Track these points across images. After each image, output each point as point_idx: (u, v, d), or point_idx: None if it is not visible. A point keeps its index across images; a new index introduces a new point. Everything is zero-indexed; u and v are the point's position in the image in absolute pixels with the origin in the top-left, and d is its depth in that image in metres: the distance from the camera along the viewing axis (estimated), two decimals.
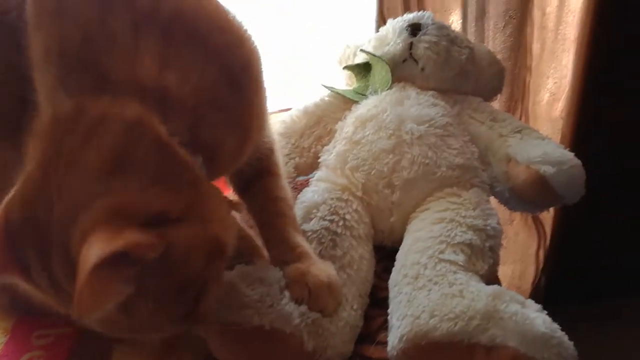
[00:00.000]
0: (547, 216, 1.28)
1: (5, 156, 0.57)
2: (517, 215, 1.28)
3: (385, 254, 0.77)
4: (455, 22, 1.17)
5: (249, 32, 0.60)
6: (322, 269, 0.64)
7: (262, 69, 0.61)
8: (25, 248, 0.47)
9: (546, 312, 0.59)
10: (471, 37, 1.15)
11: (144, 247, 0.42)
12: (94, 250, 0.41)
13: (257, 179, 0.71)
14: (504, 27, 1.14)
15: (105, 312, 0.44)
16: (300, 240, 0.68)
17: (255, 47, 0.60)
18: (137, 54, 0.51)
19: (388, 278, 0.71)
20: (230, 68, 0.56)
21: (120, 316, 0.48)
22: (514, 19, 1.14)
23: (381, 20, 1.21)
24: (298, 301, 0.62)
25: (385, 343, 0.65)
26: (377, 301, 0.71)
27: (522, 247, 1.32)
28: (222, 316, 0.58)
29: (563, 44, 1.21)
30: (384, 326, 0.68)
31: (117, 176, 0.46)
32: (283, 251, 0.66)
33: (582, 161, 0.77)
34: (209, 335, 0.60)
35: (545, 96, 1.28)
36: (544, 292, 1.35)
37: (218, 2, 0.58)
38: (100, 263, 0.40)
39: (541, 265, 1.34)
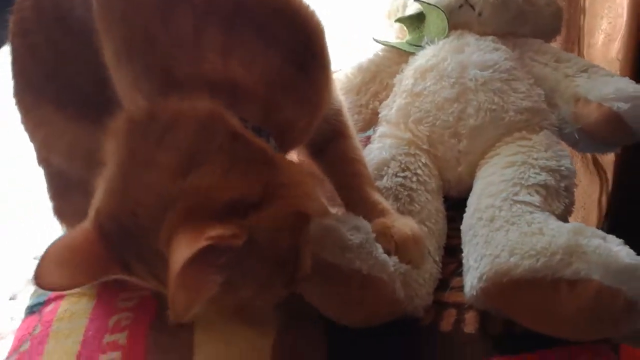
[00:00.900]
0: (609, 161, 1.24)
1: (99, 137, 0.61)
2: (578, 162, 1.25)
3: (450, 204, 0.78)
4: None
5: (310, 6, 0.60)
6: (406, 223, 0.66)
7: (326, 42, 0.61)
8: (123, 250, 0.50)
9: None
10: None
11: (227, 239, 0.44)
12: (180, 252, 0.42)
13: (330, 143, 0.72)
14: None
15: (197, 308, 0.46)
16: (380, 197, 0.69)
17: (317, 20, 0.60)
18: (201, 50, 0.53)
19: (455, 227, 0.72)
20: (294, 48, 0.57)
21: (226, 297, 0.50)
22: None
23: None
24: (386, 254, 0.63)
25: (459, 288, 0.67)
26: (446, 249, 0.73)
27: (584, 193, 1.29)
28: (321, 256, 0.60)
29: None
30: (457, 272, 0.69)
31: (193, 173, 0.47)
32: (365, 210, 0.68)
33: None
34: (306, 278, 0.61)
35: (600, 37, 1.23)
36: None
37: None
38: (186, 264, 0.41)
39: (604, 212, 1.31)
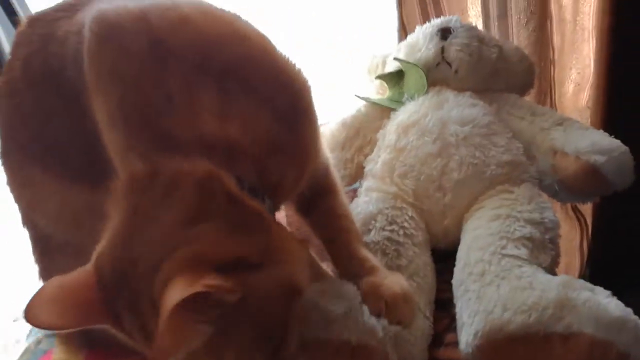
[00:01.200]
0: (587, 207, 1.27)
1: (86, 197, 0.61)
2: (558, 208, 1.27)
3: (438, 256, 0.78)
4: (474, 22, 1.19)
5: (296, 65, 0.62)
6: (395, 281, 0.66)
7: (312, 99, 0.63)
8: (116, 299, 0.50)
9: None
10: (495, 35, 1.16)
11: (222, 291, 0.44)
12: (174, 293, 0.43)
13: (317, 199, 0.73)
14: (526, 23, 1.16)
15: (186, 354, 0.46)
16: (368, 253, 0.69)
17: (304, 79, 0.62)
18: (196, 111, 0.54)
19: (444, 280, 0.72)
20: (282, 108, 0.59)
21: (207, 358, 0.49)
22: (535, 14, 1.15)
23: (403, 30, 1.23)
24: (375, 314, 0.63)
25: (454, 343, 0.66)
26: (438, 303, 0.72)
27: (565, 239, 1.30)
28: (307, 333, 0.59)
29: (582, 34, 1.21)
30: (450, 327, 0.69)
31: (193, 228, 0.48)
32: (353, 266, 0.68)
33: None
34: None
35: (570, 87, 1.28)
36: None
37: (263, 42, 0.60)
38: (179, 305, 0.42)
39: (585, 257, 1.33)
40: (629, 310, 0.57)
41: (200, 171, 0.50)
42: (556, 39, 1.20)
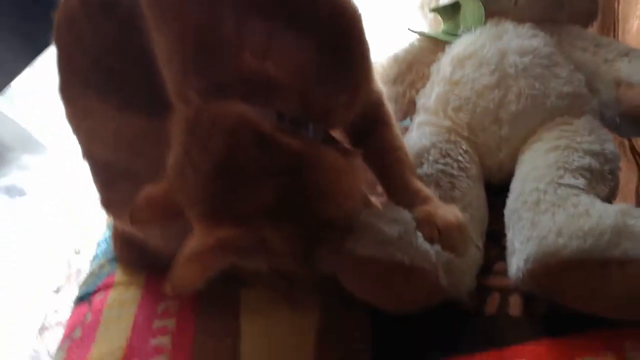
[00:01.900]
0: None
1: (142, 124, 0.64)
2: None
3: (491, 191, 0.78)
4: None
5: None
6: (449, 211, 0.66)
7: (363, 27, 0.62)
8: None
9: None
10: None
11: (236, 238, 0.49)
12: (190, 244, 0.49)
13: (371, 131, 0.73)
14: None
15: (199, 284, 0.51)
16: (421, 185, 0.70)
17: (354, 8, 0.61)
18: (241, 48, 0.55)
19: (496, 214, 0.72)
20: (332, 36, 0.59)
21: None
22: None
23: None
24: (428, 241, 0.63)
25: (502, 272, 0.67)
26: (488, 235, 0.73)
27: (621, 181, 1.28)
28: (362, 252, 0.61)
29: None
30: (499, 257, 0.70)
31: (221, 180, 0.52)
32: (407, 197, 0.68)
33: None
34: (342, 272, 0.63)
35: (635, 23, 1.21)
36: None
37: None
38: (192, 256, 0.48)
39: None
40: None
41: (234, 115, 0.53)
42: None
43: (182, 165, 0.54)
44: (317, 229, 0.55)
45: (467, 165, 0.75)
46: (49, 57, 0.76)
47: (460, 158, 0.75)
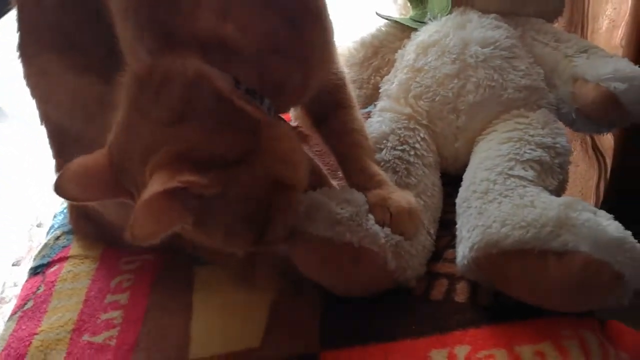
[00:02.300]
0: (608, 146, 1.25)
1: (99, 89, 0.63)
2: (578, 146, 1.26)
3: (447, 180, 0.79)
4: None
5: None
6: (402, 196, 0.67)
7: (326, 5, 0.62)
8: (125, 181, 0.54)
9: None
10: None
11: (198, 186, 0.48)
12: (151, 186, 0.47)
13: (331, 113, 0.74)
14: None
15: (160, 238, 0.50)
16: (378, 169, 0.71)
17: None
18: (199, 8, 0.54)
19: (451, 202, 0.73)
20: (290, 9, 0.58)
21: (197, 235, 0.55)
22: None
23: None
24: (379, 224, 0.65)
25: (451, 259, 0.68)
26: (441, 223, 0.74)
27: (582, 178, 1.30)
28: (313, 231, 0.61)
29: None
30: (450, 244, 0.71)
31: (179, 126, 0.51)
32: (362, 180, 0.69)
33: None
34: (294, 250, 0.64)
35: (604, 23, 1.23)
36: None
37: None
38: (153, 198, 0.46)
39: (601, 198, 1.32)
40: (628, 233, 0.57)
41: (191, 70, 0.52)
42: None
43: (130, 119, 0.53)
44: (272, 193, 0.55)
45: (424, 153, 0.76)
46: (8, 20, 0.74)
47: (417, 145, 0.76)
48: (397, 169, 0.73)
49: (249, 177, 0.53)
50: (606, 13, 1.21)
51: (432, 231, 0.71)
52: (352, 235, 0.61)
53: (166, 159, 0.49)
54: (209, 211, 0.52)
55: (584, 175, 1.30)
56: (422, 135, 0.78)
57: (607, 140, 1.15)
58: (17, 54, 0.71)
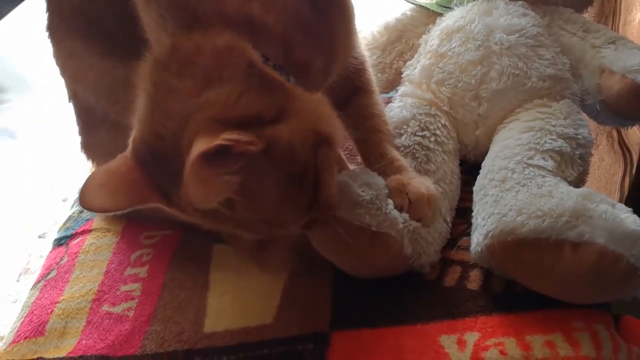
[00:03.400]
0: (635, 142, 1.23)
1: (122, 72, 0.64)
2: (603, 140, 1.24)
3: (466, 168, 0.79)
4: None
5: None
6: (421, 182, 0.67)
7: None
8: (157, 174, 0.53)
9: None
10: None
11: (243, 143, 0.46)
12: (196, 147, 0.45)
13: (351, 97, 0.74)
14: None
15: (212, 203, 0.49)
16: (398, 154, 0.71)
17: None
18: None
19: (469, 190, 0.73)
20: None
21: (250, 209, 0.53)
22: None
23: None
24: (398, 209, 0.65)
25: (466, 247, 0.68)
26: (458, 210, 0.74)
27: (606, 173, 1.28)
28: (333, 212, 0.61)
29: None
30: (465, 232, 0.71)
31: (209, 91, 0.50)
32: (382, 165, 0.69)
33: None
34: (312, 230, 0.64)
35: (637, 15, 1.20)
36: None
37: None
38: (200, 158, 0.44)
39: (626, 194, 1.30)
40: None
41: (221, 42, 0.52)
42: None
43: (155, 102, 0.52)
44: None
45: (444, 140, 0.76)
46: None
47: (438, 132, 0.76)
48: (417, 155, 0.73)
49: (289, 133, 0.51)
50: None
51: (448, 219, 0.71)
52: (371, 219, 0.61)
53: (203, 123, 0.48)
54: (256, 175, 0.50)
55: (609, 169, 1.28)
56: (442, 121, 0.77)
57: (634, 135, 1.13)
58: (47, 34, 0.72)
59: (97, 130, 0.75)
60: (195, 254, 0.78)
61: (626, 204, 1.27)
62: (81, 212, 0.93)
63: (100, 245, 0.85)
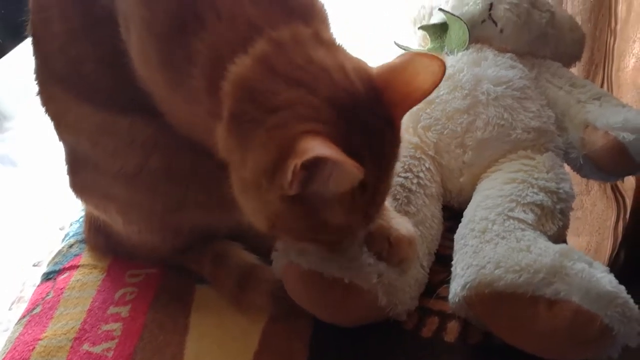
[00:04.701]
0: (629, 187, 1.23)
1: (100, 117, 0.66)
2: (595, 185, 1.24)
3: (450, 214, 0.79)
4: None
5: None
6: (402, 223, 0.67)
7: None
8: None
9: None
10: None
11: (350, 166, 0.47)
12: (313, 148, 0.46)
13: None
14: None
15: None
16: None
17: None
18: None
19: (451, 237, 0.73)
20: None
21: (322, 214, 0.54)
22: None
23: None
24: (377, 253, 0.65)
25: (444, 297, 0.68)
26: (440, 258, 0.74)
27: (599, 218, 1.28)
28: (303, 264, 0.62)
29: None
30: (445, 281, 0.70)
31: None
32: None
33: None
34: (286, 279, 0.65)
35: (631, 62, 1.21)
36: (622, 268, 1.30)
37: None
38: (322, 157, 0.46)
39: (619, 239, 1.29)
40: (622, 288, 0.56)
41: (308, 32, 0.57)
42: (620, 9, 1.13)
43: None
44: None
45: (427, 183, 0.76)
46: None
47: (421, 175, 0.76)
48: (398, 197, 0.73)
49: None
50: (633, 51, 1.19)
51: (425, 264, 0.70)
52: (344, 272, 0.61)
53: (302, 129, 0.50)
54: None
55: (601, 215, 1.27)
56: (427, 165, 0.78)
57: (628, 181, 1.13)
58: (34, 76, 0.73)
59: (80, 171, 0.76)
60: (178, 294, 0.78)
61: (621, 249, 1.26)
62: (70, 246, 0.93)
63: (85, 282, 0.84)
